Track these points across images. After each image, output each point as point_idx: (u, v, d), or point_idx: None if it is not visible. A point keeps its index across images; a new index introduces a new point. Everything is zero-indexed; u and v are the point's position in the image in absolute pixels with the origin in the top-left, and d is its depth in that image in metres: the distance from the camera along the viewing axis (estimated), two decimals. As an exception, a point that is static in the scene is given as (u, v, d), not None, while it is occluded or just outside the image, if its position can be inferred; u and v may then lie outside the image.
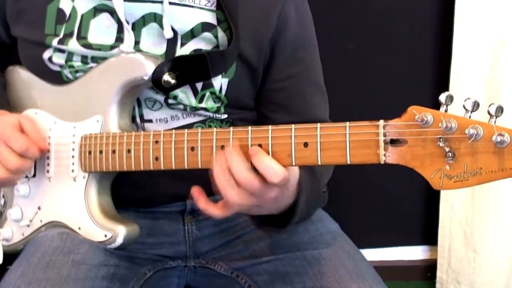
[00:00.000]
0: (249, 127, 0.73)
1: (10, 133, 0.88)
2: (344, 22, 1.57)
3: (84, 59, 0.93)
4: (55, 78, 0.95)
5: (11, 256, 0.97)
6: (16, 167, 0.87)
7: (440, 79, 1.60)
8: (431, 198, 1.71)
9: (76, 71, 0.94)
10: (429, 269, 1.80)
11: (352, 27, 1.59)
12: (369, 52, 1.61)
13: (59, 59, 0.94)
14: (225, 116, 0.96)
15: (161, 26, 0.90)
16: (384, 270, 1.02)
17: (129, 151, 0.84)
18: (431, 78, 1.65)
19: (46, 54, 0.94)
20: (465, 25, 1.49)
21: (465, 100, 0.61)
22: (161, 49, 0.91)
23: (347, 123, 0.67)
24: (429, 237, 1.76)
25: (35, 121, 0.96)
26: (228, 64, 0.91)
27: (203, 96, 0.93)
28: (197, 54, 0.89)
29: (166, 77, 0.87)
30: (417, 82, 1.63)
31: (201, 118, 0.95)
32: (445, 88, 1.55)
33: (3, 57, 1.09)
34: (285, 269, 0.91)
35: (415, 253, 1.83)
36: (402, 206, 1.76)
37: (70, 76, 0.95)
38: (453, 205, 1.65)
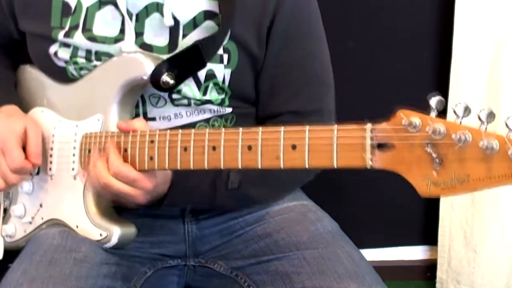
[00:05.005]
0: (240, 129, 0.73)
1: (9, 147, 0.90)
2: (344, 21, 1.57)
3: (88, 55, 0.94)
4: (61, 74, 0.97)
5: (12, 253, 0.97)
6: (13, 182, 0.92)
7: (441, 79, 1.60)
8: (431, 198, 1.71)
9: (81, 68, 0.95)
10: (429, 269, 1.79)
11: (351, 27, 1.58)
12: (369, 52, 1.60)
13: (64, 54, 0.95)
14: (230, 110, 0.96)
15: (163, 15, 0.91)
16: (384, 270, 1.01)
17: (126, 150, 0.84)
18: (431, 78, 1.65)
19: (52, 49, 0.95)
20: (465, 25, 1.49)
21: (456, 105, 0.59)
22: (164, 40, 0.92)
23: (335, 126, 0.66)
24: (429, 237, 1.76)
25: (40, 124, 0.98)
26: (219, 46, 0.91)
27: (206, 87, 0.93)
28: (191, 46, 0.89)
29: (165, 77, 0.87)
30: (417, 82, 1.62)
31: (205, 116, 0.95)
32: (446, 88, 1.54)
33: (15, 56, 1.11)
34: (285, 269, 0.91)
35: (415, 253, 1.83)
36: (402, 206, 1.75)
37: (75, 73, 0.96)
38: (453, 205, 1.65)
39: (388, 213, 1.75)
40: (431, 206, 1.71)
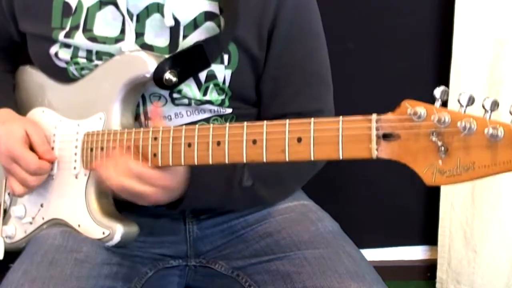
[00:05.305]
0: (245, 123, 0.73)
1: (19, 153, 0.91)
2: (344, 21, 1.57)
3: (89, 55, 0.94)
4: (62, 75, 0.97)
5: (13, 254, 0.97)
6: (34, 185, 0.93)
7: (441, 79, 1.60)
8: (431, 198, 1.71)
9: (82, 68, 0.95)
10: (429, 269, 1.79)
11: (351, 27, 1.59)
12: (369, 52, 1.61)
13: (65, 54, 0.95)
14: (230, 110, 0.96)
15: (163, 15, 0.91)
16: (384, 270, 1.02)
17: (128, 147, 0.84)
18: (431, 78, 1.65)
19: (52, 50, 0.96)
20: (465, 25, 1.49)
21: (460, 94, 0.60)
22: (165, 40, 0.92)
23: (340, 117, 0.66)
24: (429, 237, 1.76)
25: (40, 124, 0.98)
26: (224, 47, 0.91)
27: (207, 88, 0.93)
28: (195, 45, 0.89)
29: (168, 75, 0.87)
30: (417, 82, 1.62)
31: (205, 116, 0.95)
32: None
33: (15, 58, 1.11)
34: (286, 269, 0.91)
35: (415, 253, 1.83)
36: (402, 206, 1.76)
37: (76, 73, 0.96)
38: (453, 205, 1.65)
39: (388, 213, 1.75)
40: (431, 206, 1.71)
